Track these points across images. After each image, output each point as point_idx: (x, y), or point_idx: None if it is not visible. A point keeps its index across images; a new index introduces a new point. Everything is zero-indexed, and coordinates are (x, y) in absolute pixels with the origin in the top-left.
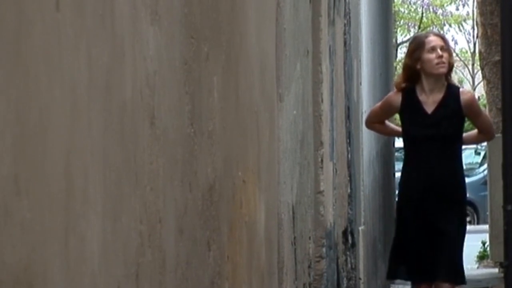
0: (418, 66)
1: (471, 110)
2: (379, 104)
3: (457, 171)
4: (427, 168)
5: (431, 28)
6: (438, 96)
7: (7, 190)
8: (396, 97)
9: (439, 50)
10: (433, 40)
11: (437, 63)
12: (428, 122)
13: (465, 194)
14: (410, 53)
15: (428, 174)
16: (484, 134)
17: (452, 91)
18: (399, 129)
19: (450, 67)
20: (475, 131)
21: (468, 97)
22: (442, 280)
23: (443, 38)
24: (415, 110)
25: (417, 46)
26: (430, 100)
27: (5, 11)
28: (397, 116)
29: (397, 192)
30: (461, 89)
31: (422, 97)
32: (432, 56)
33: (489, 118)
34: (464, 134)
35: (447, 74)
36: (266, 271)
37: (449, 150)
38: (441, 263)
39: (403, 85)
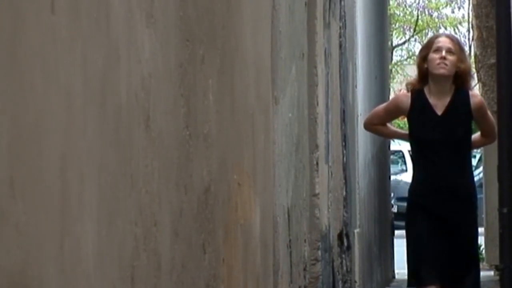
0: (426, 66)
1: (480, 113)
2: (383, 105)
3: (469, 175)
4: (439, 173)
5: (427, 31)
6: (446, 99)
7: (2, 193)
8: (405, 98)
9: (443, 51)
10: (441, 41)
11: (438, 63)
12: (438, 125)
13: (476, 198)
14: (419, 52)
15: (440, 179)
16: (487, 138)
17: (461, 93)
18: (402, 131)
19: (461, 72)
20: (476, 135)
21: (478, 100)
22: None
23: (453, 41)
24: (424, 112)
25: (425, 45)
26: (439, 103)
27: (0, 13)
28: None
29: (395, 200)
30: (470, 92)
31: (431, 99)
32: (436, 56)
33: (494, 121)
34: None
35: (460, 80)
36: (261, 274)
37: (460, 153)
38: (462, 270)
39: (410, 86)
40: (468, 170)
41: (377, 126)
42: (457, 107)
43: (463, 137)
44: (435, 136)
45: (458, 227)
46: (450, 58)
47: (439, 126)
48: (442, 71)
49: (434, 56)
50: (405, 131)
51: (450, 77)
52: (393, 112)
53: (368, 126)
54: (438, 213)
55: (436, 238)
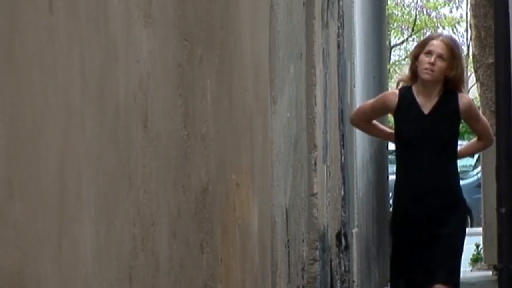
0: (416, 64)
1: (470, 114)
2: (370, 101)
3: (454, 177)
4: (422, 173)
5: (425, 31)
6: (434, 99)
7: (0, 193)
8: (392, 96)
9: (433, 57)
10: (434, 44)
11: (426, 68)
12: (425, 123)
13: (462, 198)
14: (413, 49)
15: (424, 179)
16: (484, 140)
17: (450, 94)
18: (389, 130)
19: (451, 78)
20: (473, 140)
21: (466, 101)
22: (438, 282)
23: (447, 46)
24: (411, 110)
25: (420, 43)
26: (427, 102)
27: None
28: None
29: (391, 200)
30: (459, 93)
31: (419, 99)
32: (426, 59)
33: (488, 123)
34: (463, 147)
35: (451, 84)
36: (259, 274)
37: (445, 154)
38: (437, 265)
39: (401, 83)
40: (452, 172)
41: (363, 122)
42: (444, 107)
43: (449, 138)
44: (420, 134)
45: (440, 228)
46: (439, 64)
47: (425, 125)
48: (426, 77)
49: (424, 58)
50: (392, 130)
51: (437, 82)
52: (380, 109)
53: (354, 121)
54: (421, 218)
55: (419, 251)
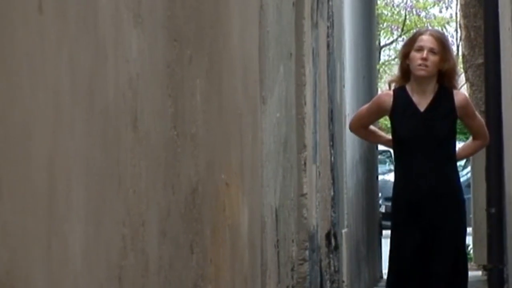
0: (407, 63)
1: (466, 111)
2: (366, 106)
3: (453, 175)
4: (421, 171)
5: (415, 31)
6: (429, 96)
7: None
8: (387, 97)
9: (425, 52)
10: (424, 39)
11: (419, 65)
12: (421, 121)
13: (462, 198)
14: (401, 48)
15: (422, 178)
16: (480, 139)
17: (445, 91)
18: (388, 136)
19: (445, 71)
20: (468, 141)
21: (462, 97)
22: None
23: (437, 40)
24: (407, 109)
25: (408, 41)
26: (422, 100)
27: None
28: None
29: (382, 200)
30: (454, 90)
31: (414, 97)
32: (417, 55)
33: (483, 122)
34: (460, 148)
35: (446, 78)
36: (249, 274)
37: (443, 151)
38: (441, 271)
39: (393, 85)
40: (452, 169)
41: (362, 129)
42: (440, 104)
43: (446, 135)
44: (417, 132)
45: (442, 229)
46: (432, 58)
47: (421, 122)
48: (422, 73)
49: (415, 55)
50: (390, 136)
51: (431, 78)
52: (376, 112)
53: (353, 128)
54: (422, 217)
55: (419, 251)
